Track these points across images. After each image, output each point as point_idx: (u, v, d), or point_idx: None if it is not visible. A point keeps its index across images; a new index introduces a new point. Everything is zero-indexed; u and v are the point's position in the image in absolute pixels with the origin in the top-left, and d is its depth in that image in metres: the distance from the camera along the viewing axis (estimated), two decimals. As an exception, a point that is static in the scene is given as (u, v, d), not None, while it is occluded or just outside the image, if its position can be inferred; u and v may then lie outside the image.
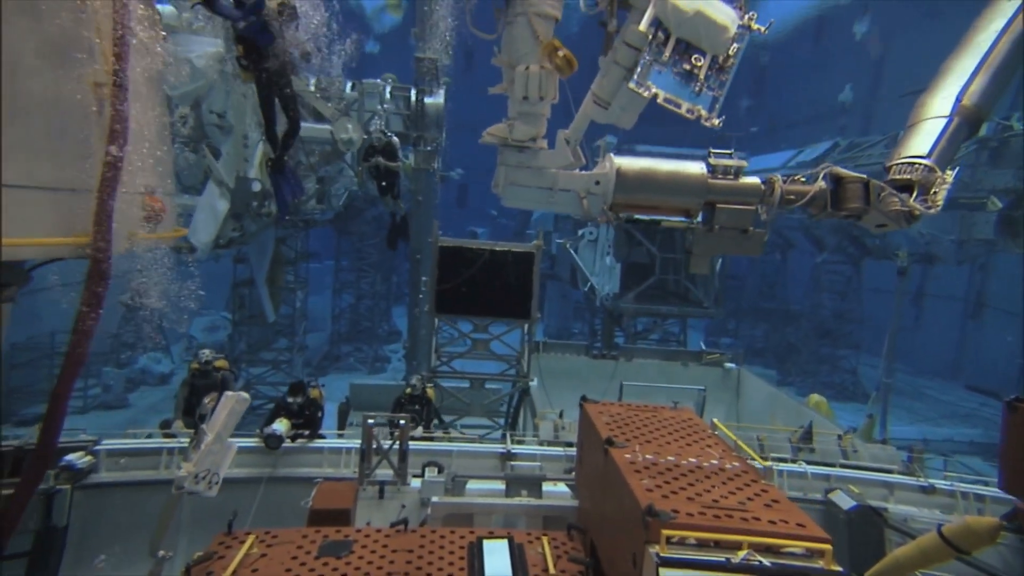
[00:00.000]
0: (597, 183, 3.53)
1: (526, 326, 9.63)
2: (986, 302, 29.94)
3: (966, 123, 3.73)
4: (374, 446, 6.23)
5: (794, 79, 42.65)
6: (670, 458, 4.28)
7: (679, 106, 2.99)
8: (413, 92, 13.54)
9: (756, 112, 46.30)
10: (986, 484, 14.83)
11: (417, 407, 7.95)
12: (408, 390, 8.20)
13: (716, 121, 3.05)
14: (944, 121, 3.73)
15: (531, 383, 10.32)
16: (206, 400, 4.18)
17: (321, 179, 14.12)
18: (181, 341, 27.68)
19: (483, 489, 5.95)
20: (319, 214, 18.38)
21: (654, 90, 3.00)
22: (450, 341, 10.42)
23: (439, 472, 6.40)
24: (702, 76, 2.92)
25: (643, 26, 2.91)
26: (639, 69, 3.02)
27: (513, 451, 6.93)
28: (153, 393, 22.67)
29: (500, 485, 5.94)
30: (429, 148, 13.58)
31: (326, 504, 5.28)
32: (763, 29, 2.97)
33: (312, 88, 12.62)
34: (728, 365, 13.39)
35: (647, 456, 4.26)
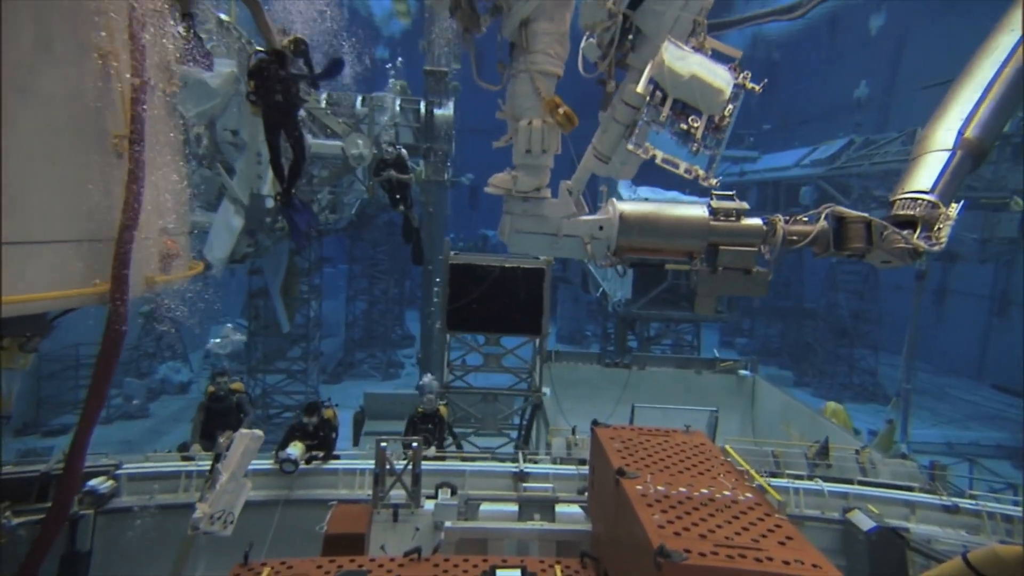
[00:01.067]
0: (601, 228, 3.59)
1: (537, 340, 9.65)
2: (1012, 299, 29.30)
3: (969, 156, 3.70)
4: (387, 467, 6.30)
5: (808, 75, 42.10)
6: (682, 489, 4.26)
7: (677, 166, 3.04)
8: (423, 104, 13.62)
9: (769, 109, 45.83)
10: (1016, 492, 14.51)
11: (430, 426, 8.01)
12: (421, 408, 8.26)
13: (713, 180, 3.12)
14: (947, 155, 3.70)
15: (544, 393, 10.33)
16: (220, 439, 4.25)
17: (334, 190, 14.25)
18: (199, 350, 28.13)
19: (496, 511, 5.97)
20: (332, 224, 18.59)
21: (652, 151, 3.06)
22: (464, 353, 10.46)
23: (452, 494, 6.45)
24: (699, 136, 2.96)
25: (640, 88, 2.94)
26: (637, 130, 3.08)
27: (525, 470, 6.95)
28: (173, 402, 23.08)
29: (513, 507, 5.97)
30: (439, 159, 13.65)
31: (341, 529, 5.34)
32: (757, 88, 3.02)
33: (323, 103, 12.76)
34: (743, 372, 13.28)
35: (659, 488, 4.25)
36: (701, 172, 3.03)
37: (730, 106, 2.95)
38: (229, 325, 24.42)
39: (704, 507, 4.03)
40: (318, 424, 7.17)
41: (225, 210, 11.62)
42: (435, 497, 6.46)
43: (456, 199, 30.50)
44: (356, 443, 16.47)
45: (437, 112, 13.45)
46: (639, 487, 4.27)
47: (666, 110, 2.93)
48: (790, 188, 30.11)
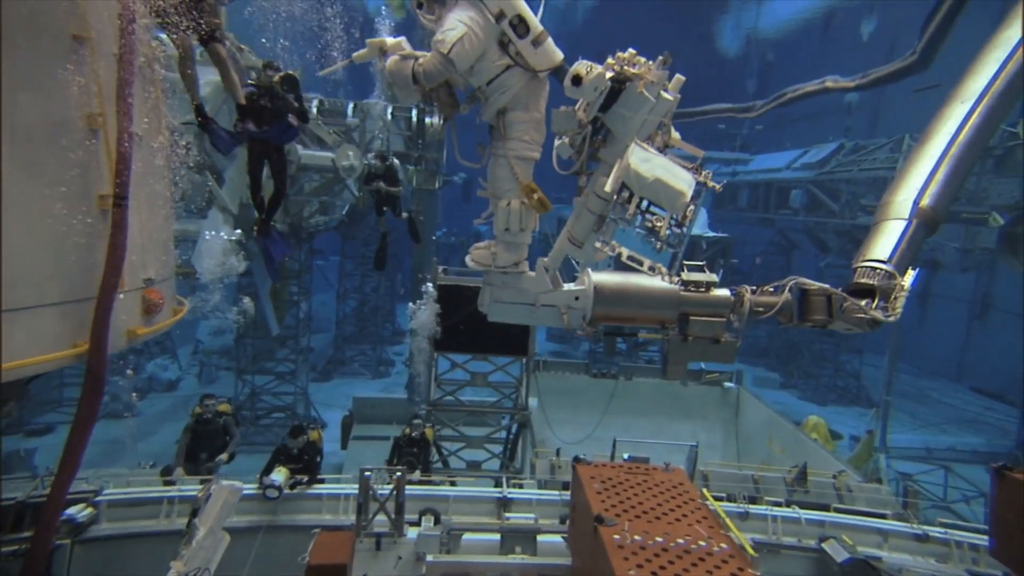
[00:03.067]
0: (577, 299, 3.73)
1: (524, 360, 9.74)
2: (993, 304, 29.76)
3: (924, 225, 3.91)
4: (371, 494, 6.38)
5: (801, 76, 42.10)
6: (659, 539, 4.37)
7: (641, 264, 3.21)
8: (414, 112, 13.58)
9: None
10: (986, 502, 14.77)
11: (415, 450, 8.09)
12: (407, 430, 8.33)
13: (675, 278, 3.24)
14: (904, 224, 3.90)
15: (530, 406, 10.42)
16: (198, 493, 4.29)
17: (323, 199, 14.20)
18: (188, 345, 27.98)
19: (478, 541, 6.08)
20: (323, 224, 18.52)
21: (618, 248, 3.27)
22: (450, 369, 10.53)
23: (436, 522, 6.54)
24: (663, 234, 3.13)
25: (608, 187, 3.10)
26: (605, 227, 3.23)
27: (509, 496, 7.05)
28: (161, 400, 22.98)
29: (495, 537, 6.07)
30: (430, 168, 13.64)
31: (323, 559, 5.41)
32: (718, 187, 3.27)
33: (314, 111, 12.68)
34: (727, 385, 13.47)
35: (636, 537, 4.36)
36: (663, 269, 3.19)
37: (691, 207, 3.12)
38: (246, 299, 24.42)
39: (679, 560, 4.15)
40: (303, 447, 7.23)
41: (214, 219, 11.57)
42: (418, 524, 6.55)
43: (451, 194, 30.43)
44: (344, 446, 16.55)
45: (428, 120, 13.42)
46: (616, 536, 4.39)
47: (632, 208, 3.11)
48: (781, 191, 30.31)
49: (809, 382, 29.41)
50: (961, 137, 4.11)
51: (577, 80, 3.02)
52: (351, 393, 24.75)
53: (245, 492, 6.78)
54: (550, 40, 3.24)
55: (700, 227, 17.77)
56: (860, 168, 25.25)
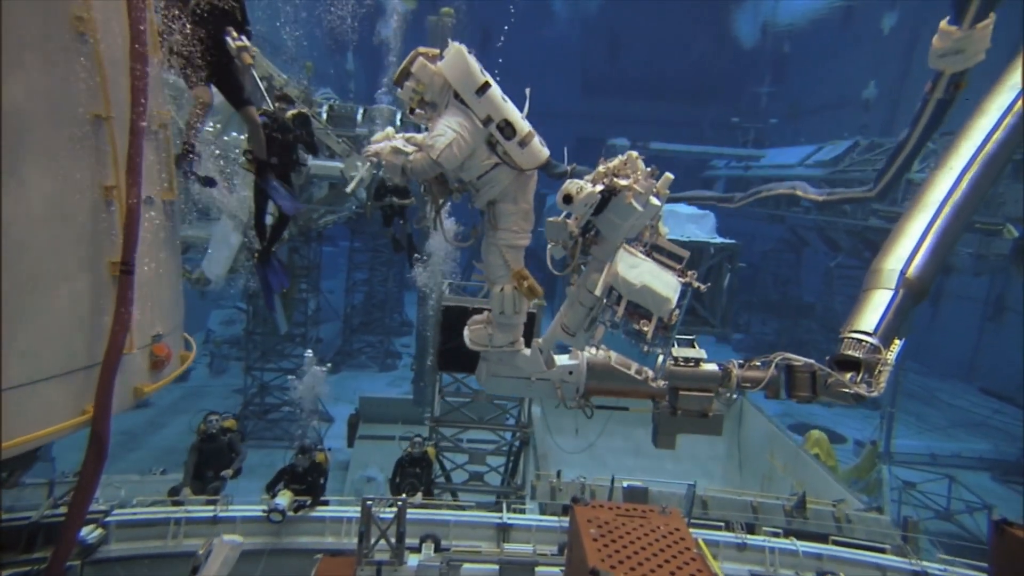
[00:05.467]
0: (571, 373, 3.85)
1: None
2: (1007, 306, 29.40)
3: (910, 295, 3.94)
4: (373, 520, 6.51)
5: (818, 69, 41.46)
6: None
7: (629, 367, 3.31)
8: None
9: (777, 99, 45.25)
10: (991, 513, 14.74)
11: (417, 470, 8.22)
12: (410, 449, 8.46)
13: (661, 383, 3.34)
14: (891, 294, 3.94)
15: (535, 410, 10.48)
16: (199, 550, 4.40)
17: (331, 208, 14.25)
18: (198, 334, 28.35)
19: (478, 572, 6.23)
20: (331, 224, 18.60)
21: (608, 352, 3.41)
22: (453, 382, 10.62)
23: (436, 548, 6.69)
24: (650, 336, 3.25)
25: (598, 291, 3.24)
26: (595, 331, 3.39)
27: (508, 522, 7.17)
28: (172, 391, 23.34)
29: (494, 568, 6.20)
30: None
31: (326, 587, 5.60)
32: (702, 287, 3.45)
33: (324, 117, 12.68)
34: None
35: (629, 591, 4.45)
36: (650, 373, 3.30)
37: (676, 311, 3.27)
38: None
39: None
40: (308, 468, 7.36)
41: (224, 226, 11.67)
42: (419, 551, 6.69)
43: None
44: (351, 444, 16.85)
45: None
46: (609, 591, 4.49)
47: (621, 310, 3.24)
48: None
49: (816, 382, 29.32)
50: (948, 206, 4.14)
51: (568, 199, 3.15)
52: (358, 386, 25.10)
53: (249, 515, 6.98)
54: (536, 140, 3.37)
55: (707, 233, 17.63)
56: (874, 168, 24.88)
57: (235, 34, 5.38)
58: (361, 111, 13.38)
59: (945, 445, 22.07)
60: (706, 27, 43.60)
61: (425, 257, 11.21)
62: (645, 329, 3.25)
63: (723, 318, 17.71)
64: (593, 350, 3.52)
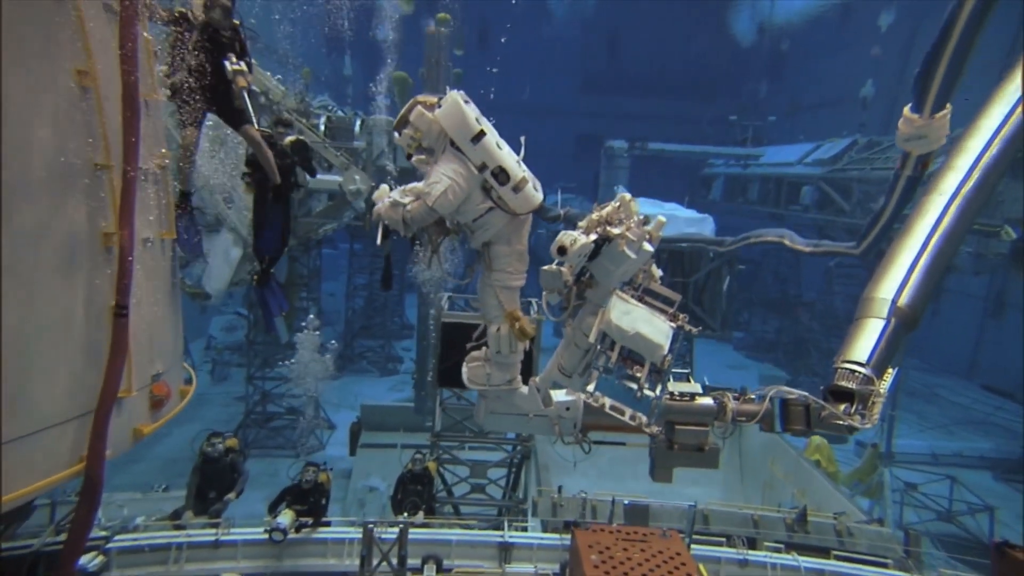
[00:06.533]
0: (568, 409, 3.95)
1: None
2: (1007, 302, 29.39)
3: (902, 324, 3.97)
4: (375, 542, 6.53)
5: (816, 66, 41.42)
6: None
7: (623, 413, 3.37)
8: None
9: (775, 96, 45.18)
10: (993, 515, 14.70)
11: (419, 487, 8.24)
12: (411, 465, 8.48)
13: (655, 429, 3.51)
14: (883, 323, 3.96)
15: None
16: None
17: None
18: (200, 340, 28.37)
19: (479, 593, 6.26)
20: (331, 231, 18.59)
21: (602, 399, 3.47)
22: (452, 395, 10.64)
23: (437, 570, 6.72)
24: (643, 381, 3.33)
25: (592, 338, 3.33)
26: (589, 377, 3.45)
27: (510, 541, 7.19)
28: (174, 399, 23.37)
29: (496, 588, 6.24)
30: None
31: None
32: (695, 331, 3.55)
33: (322, 128, 12.68)
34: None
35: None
36: (643, 419, 3.36)
37: (669, 356, 3.36)
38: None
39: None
40: (311, 488, 7.37)
41: (224, 240, 11.69)
42: (421, 571, 6.73)
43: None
44: (352, 452, 16.87)
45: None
46: (610, 622, 4.52)
47: (615, 356, 3.33)
48: (791, 186, 29.98)
49: (816, 380, 29.23)
50: (939, 232, 4.15)
51: (562, 250, 3.21)
52: (360, 391, 25.12)
53: (250, 538, 7.00)
54: (529, 185, 3.45)
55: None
56: (872, 167, 24.85)
57: (234, 59, 5.42)
58: (359, 122, 13.37)
59: (947, 444, 22.07)
60: (704, 25, 43.51)
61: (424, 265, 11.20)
62: (639, 375, 3.32)
63: (723, 321, 17.74)
64: (585, 396, 3.55)
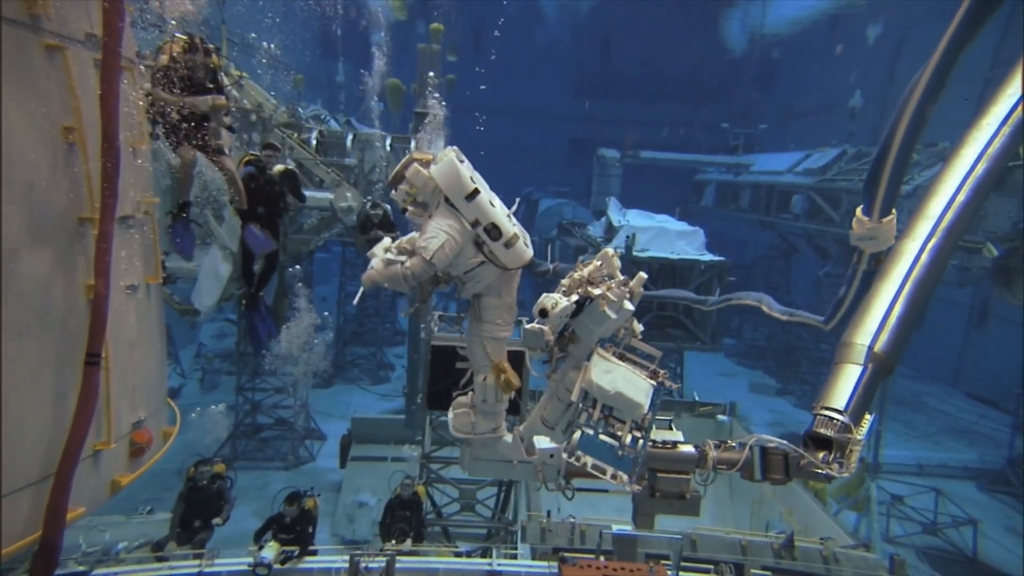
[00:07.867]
0: (551, 456, 4.01)
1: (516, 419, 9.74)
2: (991, 311, 29.76)
3: (879, 371, 3.99)
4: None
5: (806, 75, 41.80)
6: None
7: (605, 472, 3.41)
8: (413, 143, 13.50)
9: (766, 104, 45.55)
10: (976, 528, 14.81)
11: (407, 513, 8.21)
12: (399, 491, 8.44)
13: (637, 487, 3.56)
14: (860, 369, 3.99)
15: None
16: None
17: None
18: (190, 347, 28.16)
19: (465, 625, 6.25)
20: (323, 241, 18.51)
21: (584, 458, 3.48)
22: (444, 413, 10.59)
23: (425, 600, 6.70)
24: (625, 440, 3.37)
25: (574, 396, 3.40)
26: (574, 440, 3.50)
27: (498, 569, 7.18)
28: (162, 408, 23.17)
29: (482, 620, 6.23)
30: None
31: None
32: (675, 385, 3.62)
33: (313, 143, 12.63)
34: (721, 418, 13.58)
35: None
36: (625, 478, 3.39)
37: (649, 414, 3.41)
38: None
39: None
40: (297, 518, 7.32)
41: (213, 257, 11.60)
42: (408, 603, 6.69)
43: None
44: (343, 465, 16.79)
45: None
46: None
47: (596, 413, 3.38)
48: (782, 194, 30.25)
49: (806, 388, 29.52)
50: (913, 277, 4.18)
51: (544, 313, 3.26)
52: (351, 401, 25.02)
53: (234, 570, 6.94)
54: (520, 242, 3.54)
55: (697, 249, 17.70)
56: (860, 179, 25.10)
57: (210, 101, 5.45)
58: (351, 136, 13.33)
59: (932, 454, 22.32)
60: (696, 32, 43.78)
61: None
62: (620, 432, 3.37)
63: (713, 335, 17.84)
64: (568, 457, 3.60)
